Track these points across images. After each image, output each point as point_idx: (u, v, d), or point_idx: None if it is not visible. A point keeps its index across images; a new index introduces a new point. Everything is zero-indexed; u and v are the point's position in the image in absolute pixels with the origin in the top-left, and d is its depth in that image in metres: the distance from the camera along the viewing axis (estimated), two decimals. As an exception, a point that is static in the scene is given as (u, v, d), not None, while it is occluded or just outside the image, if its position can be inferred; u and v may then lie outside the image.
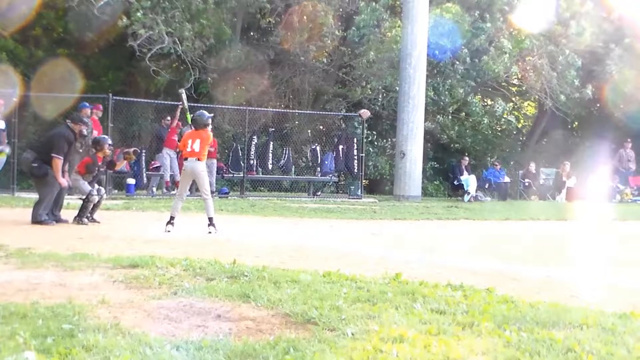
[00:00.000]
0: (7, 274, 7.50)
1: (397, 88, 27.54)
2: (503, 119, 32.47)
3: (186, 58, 25.39)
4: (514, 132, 36.77)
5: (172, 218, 12.67)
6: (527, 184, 29.38)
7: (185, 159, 12.99)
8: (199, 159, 12.82)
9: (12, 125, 19.81)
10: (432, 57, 26.96)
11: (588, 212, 21.69)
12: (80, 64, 27.57)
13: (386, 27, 27.49)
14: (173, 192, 20.31)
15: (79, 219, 13.64)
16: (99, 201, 13.87)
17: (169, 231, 12.39)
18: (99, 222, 13.64)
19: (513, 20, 28.86)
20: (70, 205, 14.92)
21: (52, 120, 21.04)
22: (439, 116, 30.91)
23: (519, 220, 18.65)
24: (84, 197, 13.75)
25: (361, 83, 29.46)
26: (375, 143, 29.76)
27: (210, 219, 12.63)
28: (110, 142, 14.59)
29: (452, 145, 31.84)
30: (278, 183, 27.09)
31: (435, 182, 31.30)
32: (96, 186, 14.05)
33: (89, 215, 13.70)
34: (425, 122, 27.19)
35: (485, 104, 34.39)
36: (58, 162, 13.22)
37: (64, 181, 13.49)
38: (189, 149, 12.79)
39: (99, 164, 14.03)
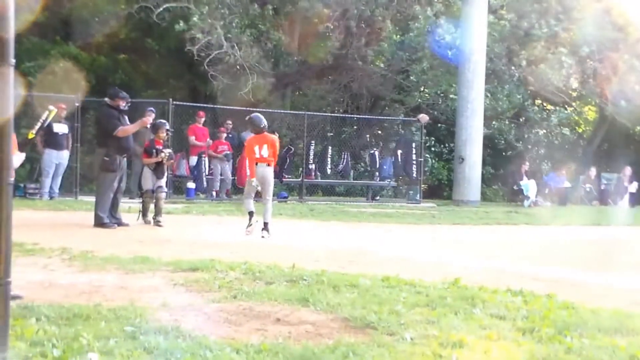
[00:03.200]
0: (71, 276, 7.63)
1: (454, 94, 27.41)
2: (557, 130, 31.95)
3: (244, 63, 25.52)
4: (575, 137, 36.21)
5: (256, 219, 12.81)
6: (587, 189, 28.98)
7: (255, 164, 13.01)
8: (269, 165, 12.93)
9: (75, 130, 20.14)
10: (488, 61, 26.77)
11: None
12: (141, 69, 27.98)
13: (441, 33, 27.32)
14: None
15: (143, 218, 13.87)
16: (158, 200, 13.97)
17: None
18: (162, 225, 13.75)
19: (569, 27, 28.51)
20: (132, 209, 15.15)
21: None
22: (495, 122, 30.59)
23: (579, 226, 18.38)
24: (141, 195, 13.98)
25: (419, 88, 29.38)
26: (433, 148, 29.63)
27: (265, 224, 12.67)
28: (168, 126, 14.69)
29: (510, 150, 31.50)
30: (336, 188, 27.09)
31: (493, 187, 31.06)
32: (159, 182, 14.17)
33: (153, 217, 13.88)
34: (483, 127, 26.99)
35: (545, 108, 33.94)
36: (121, 132, 13.38)
37: (145, 119, 14.09)
38: (257, 155, 12.85)
39: (159, 147, 14.15)
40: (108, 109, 13.74)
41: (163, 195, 14.41)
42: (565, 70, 28.28)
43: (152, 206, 14.18)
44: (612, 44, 28.68)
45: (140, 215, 14.27)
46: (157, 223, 13.85)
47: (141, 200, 14.47)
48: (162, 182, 14.47)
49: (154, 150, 14.17)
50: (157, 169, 14.22)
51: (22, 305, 5.72)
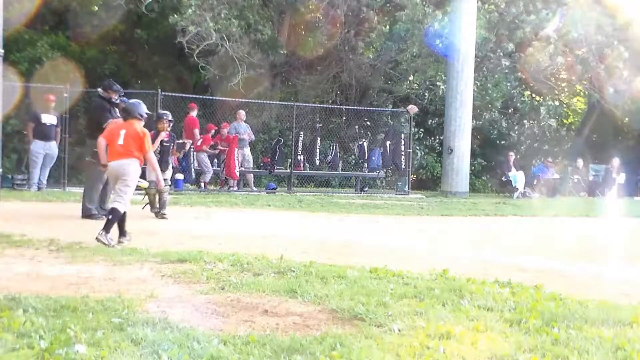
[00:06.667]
0: (58, 268, 7.61)
1: (442, 82, 27.44)
2: (545, 121, 32.01)
3: (233, 54, 25.49)
4: (563, 128, 36.27)
5: None
6: (576, 180, 29.05)
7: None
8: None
9: (64, 120, 20.08)
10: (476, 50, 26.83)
11: (638, 209, 21.38)
12: (130, 60, 27.91)
13: (428, 21, 27.30)
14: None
15: (151, 210, 13.87)
16: (162, 193, 13.93)
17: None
18: (166, 218, 13.70)
19: (558, 12, 28.55)
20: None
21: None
22: (485, 112, 30.63)
23: (567, 217, 18.43)
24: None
25: (408, 77, 29.40)
26: (422, 140, 29.64)
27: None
28: (170, 117, 14.61)
29: (498, 141, 31.55)
30: (325, 179, 27.10)
31: (482, 178, 31.13)
32: (163, 175, 14.13)
33: (157, 209, 13.87)
34: (472, 118, 27.03)
35: (534, 98, 33.98)
36: (111, 123, 13.22)
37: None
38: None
39: (160, 138, 14.10)
40: (100, 101, 13.68)
41: (167, 188, 14.34)
42: (553, 57, 28.34)
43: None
44: (601, 30, 28.71)
45: (149, 206, 14.17)
46: (162, 216, 13.81)
47: (145, 193, 14.33)
48: (167, 174, 14.44)
49: (172, 145, 14.20)
50: (161, 162, 14.16)
51: (9, 297, 5.71)
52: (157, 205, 13.98)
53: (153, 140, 13.82)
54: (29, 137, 19.32)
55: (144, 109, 10.42)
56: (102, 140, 10.25)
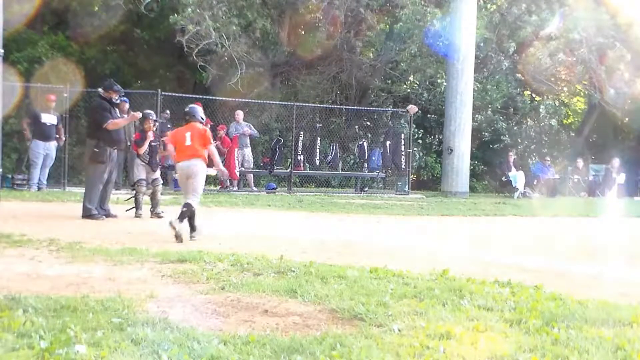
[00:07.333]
0: (58, 267, 7.61)
1: (441, 82, 27.45)
2: (545, 121, 31.99)
3: (233, 53, 25.47)
4: (563, 128, 36.25)
5: None
6: (576, 180, 29.05)
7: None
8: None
9: (64, 120, 20.07)
10: (477, 50, 26.83)
11: (638, 209, 21.37)
12: (130, 60, 27.91)
13: (428, 19, 27.27)
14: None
15: (136, 212, 13.82)
16: (155, 193, 13.93)
17: None
18: (162, 217, 13.58)
19: (560, 13, 28.56)
20: (120, 200, 15.13)
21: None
22: (484, 112, 30.60)
23: (567, 217, 18.43)
24: (132, 187, 13.92)
25: (408, 77, 29.40)
26: (420, 140, 29.61)
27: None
28: (154, 117, 14.61)
29: (498, 141, 31.53)
30: (325, 179, 27.09)
31: (482, 178, 31.11)
32: (154, 175, 14.15)
33: (151, 209, 13.84)
34: (472, 118, 27.02)
35: (534, 99, 33.97)
36: (111, 124, 13.32)
37: (136, 114, 14.11)
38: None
39: (149, 139, 14.09)
40: (100, 101, 13.70)
41: (160, 187, 14.35)
42: (554, 57, 28.34)
43: (146, 198, 14.15)
44: (602, 31, 28.70)
45: (134, 209, 14.15)
46: (157, 215, 13.81)
47: (134, 193, 14.32)
48: (157, 174, 14.44)
49: (159, 144, 14.22)
50: (151, 161, 14.18)
51: (9, 297, 5.72)
52: (142, 208, 13.97)
53: (142, 142, 13.87)
54: (27, 135, 19.34)
55: (202, 113, 11.49)
56: (170, 147, 11.54)
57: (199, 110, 11.43)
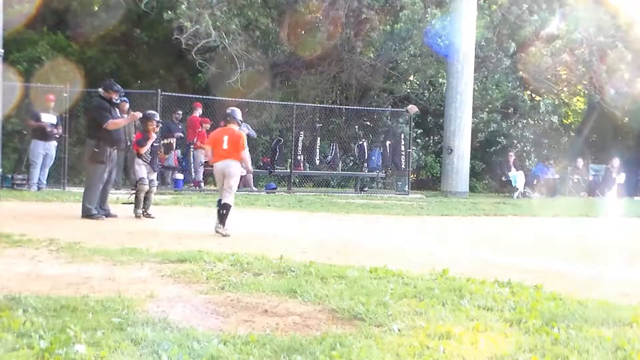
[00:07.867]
0: (58, 267, 7.61)
1: (441, 81, 27.43)
2: (545, 119, 31.99)
3: (232, 52, 25.44)
4: (563, 128, 36.26)
5: None
6: (575, 180, 29.04)
7: None
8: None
9: (64, 120, 20.05)
10: (477, 50, 26.82)
11: (638, 209, 21.37)
12: (130, 60, 27.88)
13: (428, 20, 27.26)
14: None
15: (134, 210, 13.80)
16: (149, 192, 13.93)
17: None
18: (153, 217, 13.71)
19: (561, 13, 28.56)
20: (120, 200, 15.13)
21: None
22: (485, 112, 30.61)
23: (567, 217, 18.42)
24: (134, 187, 13.90)
25: (408, 76, 29.39)
26: (419, 140, 29.61)
27: None
28: (157, 118, 14.59)
29: (498, 142, 31.52)
30: (325, 179, 27.09)
31: (482, 178, 31.10)
32: (151, 176, 14.15)
33: (143, 209, 13.83)
34: (472, 118, 27.02)
35: (534, 98, 33.97)
36: (111, 124, 13.32)
37: (136, 113, 14.16)
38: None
39: (152, 139, 14.08)
40: (100, 101, 13.69)
41: (154, 189, 14.39)
42: (554, 57, 28.33)
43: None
44: (603, 31, 28.67)
45: (134, 207, 14.13)
46: (148, 215, 13.81)
47: (135, 191, 14.29)
48: (154, 175, 14.46)
49: (159, 146, 14.28)
50: (152, 162, 14.18)
51: (9, 297, 5.72)
52: (141, 207, 13.96)
53: (144, 142, 13.85)
54: (28, 137, 19.38)
55: (240, 115, 12.24)
56: (208, 148, 12.25)
57: (238, 113, 12.12)
